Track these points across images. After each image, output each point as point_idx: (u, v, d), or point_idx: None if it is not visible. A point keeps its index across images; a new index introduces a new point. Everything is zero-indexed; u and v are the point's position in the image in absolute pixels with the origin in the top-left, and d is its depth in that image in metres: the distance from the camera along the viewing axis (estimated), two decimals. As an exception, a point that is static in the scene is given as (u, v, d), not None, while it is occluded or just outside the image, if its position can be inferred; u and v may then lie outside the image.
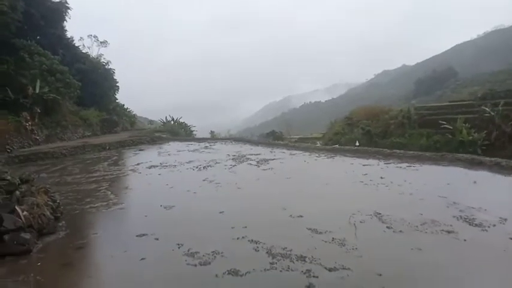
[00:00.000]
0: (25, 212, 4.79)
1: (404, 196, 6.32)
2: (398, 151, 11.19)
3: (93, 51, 31.64)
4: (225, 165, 10.43)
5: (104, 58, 31.31)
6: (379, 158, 10.33)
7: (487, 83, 49.19)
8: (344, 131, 34.98)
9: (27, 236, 4.55)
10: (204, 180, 8.34)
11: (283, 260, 3.82)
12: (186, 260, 3.94)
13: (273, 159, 10.92)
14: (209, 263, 3.85)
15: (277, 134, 40.46)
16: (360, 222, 4.90)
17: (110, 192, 7.59)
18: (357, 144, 19.84)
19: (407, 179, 7.39)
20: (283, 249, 4.09)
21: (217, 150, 14.48)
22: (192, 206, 6.31)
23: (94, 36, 32.59)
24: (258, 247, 4.20)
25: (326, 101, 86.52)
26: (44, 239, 4.90)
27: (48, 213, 5.27)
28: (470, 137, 22.89)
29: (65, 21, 27.02)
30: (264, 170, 9.29)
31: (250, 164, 10.37)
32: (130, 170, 10.78)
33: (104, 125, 27.40)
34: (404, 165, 9.18)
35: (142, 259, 4.07)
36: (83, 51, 30.66)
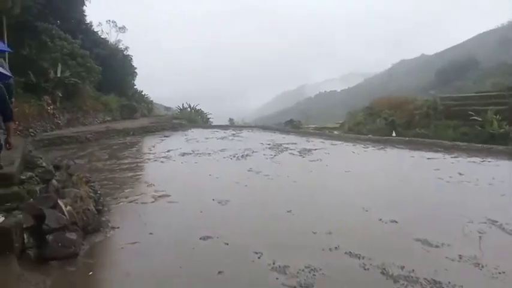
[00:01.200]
0: (68, 207, 3.99)
1: (508, 198, 5.33)
2: (461, 143, 10.18)
3: (112, 36, 30.92)
4: (264, 154, 9.54)
5: (122, 44, 30.65)
6: (439, 151, 9.31)
7: (507, 74, 47.26)
8: (365, 121, 33.84)
9: (73, 236, 3.74)
10: (249, 171, 7.47)
11: (413, 287, 2.90)
12: (277, 278, 3.04)
13: (315, 149, 10.01)
14: (312, 286, 2.95)
15: (295, 123, 39.57)
16: (479, 232, 3.96)
17: (150, 181, 6.78)
18: (394, 134, 18.83)
19: (495, 176, 6.40)
20: (401, 268, 3.17)
21: (247, 139, 13.59)
22: (249, 202, 5.45)
23: (112, 22, 31.85)
24: (364, 264, 3.29)
25: (341, 90, 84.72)
26: (90, 238, 4.08)
27: (93, 207, 4.46)
28: (502, 130, 21.60)
29: (84, 6, 26.35)
30: (312, 161, 8.38)
31: (293, 154, 9.48)
32: (163, 156, 9.95)
33: (123, 111, 26.89)
34: (476, 159, 8.17)
35: (219, 273, 3.21)
36: (102, 36, 29.99)
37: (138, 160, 9.53)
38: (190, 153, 10.32)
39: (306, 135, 13.98)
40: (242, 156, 9.39)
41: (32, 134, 15.67)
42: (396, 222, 4.27)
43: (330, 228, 4.12)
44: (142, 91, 33.74)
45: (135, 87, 32.45)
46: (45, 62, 18.52)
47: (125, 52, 30.29)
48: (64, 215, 3.80)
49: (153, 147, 12.43)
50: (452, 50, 73.84)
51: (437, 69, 58.69)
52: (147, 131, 18.40)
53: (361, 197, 5.50)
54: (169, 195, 5.81)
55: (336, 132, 41.72)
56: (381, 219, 4.35)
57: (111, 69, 26.33)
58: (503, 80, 46.76)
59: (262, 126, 19.85)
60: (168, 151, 11.01)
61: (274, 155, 9.29)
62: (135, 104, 29.20)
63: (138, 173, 7.72)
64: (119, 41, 31.56)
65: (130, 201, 5.57)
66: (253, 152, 10.02)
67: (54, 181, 4.87)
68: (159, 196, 5.77)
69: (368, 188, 6.16)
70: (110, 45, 29.40)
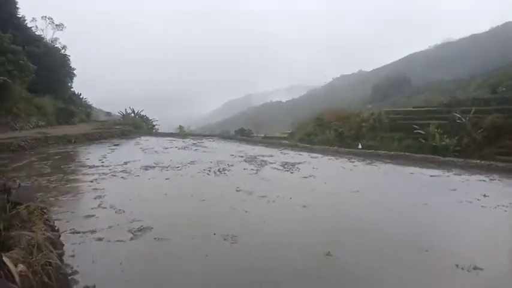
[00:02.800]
0: (20, 266, 2.47)
1: None
2: (456, 159, 9.74)
3: (48, 34, 27.77)
4: (245, 168, 8.30)
5: (59, 42, 27.78)
6: (433, 167, 8.74)
7: (438, 91, 50.96)
8: (316, 132, 33.90)
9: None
10: (238, 190, 6.19)
11: None
12: None
13: (298, 163, 8.98)
14: None
15: (246, 132, 38.58)
16: None
17: (117, 206, 5.23)
18: (360, 147, 18.56)
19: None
20: None
21: (213, 149, 12.28)
22: (264, 238, 4.11)
23: (49, 18, 28.66)
24: None
25: (287, 101, 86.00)
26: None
27: (56, 257, 2.94)
28: (443, 143, 22.53)
29: None
30: (305, 178, 7.29)
31: (276, 168, 8.35)
32: (121, 171, 8.28)
33: (59, 115, 24.17)
34: (479, 176, 7.61)
35: None
36: (36, 33, 26.84)
37: (90, 175, 7.78)
38: (154, 167, 8.77)
39: (276, 146, 13.00)
40: (219, 170, 8.07)
41: None
42: (481, 269, 3.27)
43: (401, 284, 3.01)
44: (80, 94, 30.84)
45: (72, 89, 29.47)
46: (-36, 57, 15.63)
47: (62, 51, 27.47)
48: (15, 282, 2.29)
49: (104, 158, 10.61)
50: (386, 68, 78.72)
51: (373, 85, 61.87)
52: (91, 138, 16.25)
53: (407, 230, 4.49)
54: (151, 228, 4.35)
55: (285, 141, 41.42)
56: (457, 265, 3.34)
57: (46, 69, 23.57)
58: (432, 96, 50.21)
59: (222, 135, 18.56)
60: (125, 163, 9.35)
61: (257, 170, 8.09)
62: (73, 108, 26.60)
63: (98, 194, 6.08)
64: (56, 39, 28.56)
65: (100, 238, 4.05)
66: (229, 165, 8.73)
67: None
68: (138, 229, 4.30)
69: (404, 218, 5.07)
70: (46, 43, 26.56)
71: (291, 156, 10.39)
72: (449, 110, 27.67)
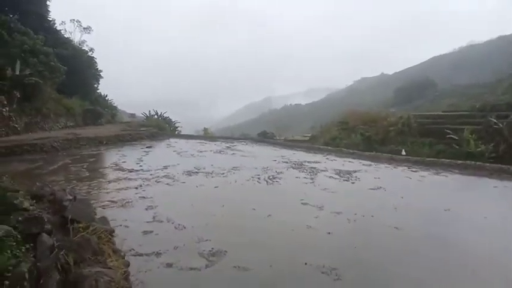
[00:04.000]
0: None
1: None
2: None
3: (76, 36, 28.03)
4: (297, 177, 7.52)
5: (87, 45, 27.97)
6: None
7: (463, 95, 49.11)
8: (341, 136, 32.86)
9: None
10: (303, 203, 5.40)
11: None
12: None
13: (354, 171, 8.14)
14: None
15: (268, 135, 37.89)
16: None
17: (174, 220, 4.56)
18: (403, 153, 17.55)
19: None
20: None
21: (250, 153, 11.57)
22: (372, 273, 3.28)
23: (77, 21, 28.93)
24: None
25: (306, 104, 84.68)
26: None
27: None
28: (479, 149, 21.18)
29: (48, 0, 23.36)
30: (373, 190, 6.43)
31: (332, 177, 7.53)
32: (164, 176, 7.65)
33: (86, 116, 24.02)
34: None
35: None
36: (65, 36, 27.01)
37: (133, 180, 7.17)
38: (197, 172, 8.11)
39: (317, 151, 12.22)
40: (269, 178, 7.33)
41: (-16, 140, 12.70)
42: None
43: None
44: (106, 95, 30.81)
45: (98, 91, 29.48)
46: (1, 58, 15.44)
47: (89, 54, 27.54)
48: None
49: (141, 161, 10.02)
50: (409, 71, 76.69)
51: (396, 88, 60.14)
52: (122, 139, 15.75)
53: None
54: (225, 251, 3.63)
55: (326, 147, 40.62)
56: None
57: (74, 70, 23.48)
58: (457, 100, 48.45)
59: (254, 138, 17.85)
60: (165, 167, 8.73)
61: (312, 179, 7.29)
62: (100, 109, 26.45)
63: (147, 203, 5.43)
64: (83, 41, 28.75)
65: (169, 264, 3.35)
66: (277, 172, 7.98)
67: (45, 238, 2.62)
68: (211, 253, 3.59)
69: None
70: (74, 46, 26.67)
71: (339, 163, 9.57)
72: (483, 114, 26.27)
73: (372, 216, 4.79)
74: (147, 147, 13.55)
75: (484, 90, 48.84)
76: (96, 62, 28.02)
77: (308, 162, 9.49)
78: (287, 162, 9.41)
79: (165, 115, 32.41)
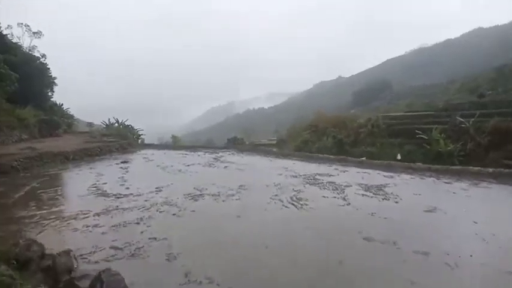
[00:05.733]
0: None
1: None
2: None
3: (25, 42, 25.45)
4: (324, 196, 6.38)
5: (38, 51, 25.62)
6: None
7: (418, 95, 51.01)
8: (312, 139, 32.39)
9: None
10: (366, 239, 4.23)
11: None
12: None
13: (382, 185, 7.15)
14: None
15: (238, 141, 36.67)
16: None
17: (220, 283, 3.26)
18: (399, 157, 17.01)
19: None
20: None
21: (246, 166, 10.33)
22: None
23: (26, 25, 26.26)
24: None
25: (269, 107, 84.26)
26: None
27: None
28: (449, 148, 21.43)
29: None
30: (428, 212, 5.38)
31: (365, 195, 6.46)
32: (163, 203, 6.24)
33: (42, 127, 21.47)
34: None
35: None
36: (13, 41, 24.33)
37: (128, 211, 5.73)
38: (201, 195, 6.77)
39: (317, 160, 11.23)
40: (294, 200, 6.15)
41: None
42: None
43: None
44: (62, 104, 28.24)
45: (52, 99, 26.93)
46: None
47: (41, 60, 24.99)
48: None
49: (124, 181, 8.49)
50: (364, 74, 78.87)
51: (354, 91, 61.40)
52: (90, 153, 13.89)
53: None
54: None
55: (274, 149, 39.77)
56: None
57: (25, 78, 21.10)
58: (413, 101, 50.06)
59: (238, 147, 16.54)
60: (159, 190, 7.32)
61: (343, 198, 6.17)
62: (56, 119, 23.92)
63: (165, 249, 4.10)
64: (34, 47, 26.11)
65: None
66: (296, 191, 6.82)
67: None
68: None
69: None
70: (23, 52, 24.14)
71: (355, 175, 8.61)
72: (448, 114, 26.86)
73: (471, 256, 3.76)
74: (122, 162, 11.86)
75: (436, 90, 51.04)
76: (49, 69, 25.48)
77: (319, 175, 8.44)
78: (296, 177, 8.30)
79: (126, 123, 30.40)
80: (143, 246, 4.26)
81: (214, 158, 12.03)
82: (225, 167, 10.19)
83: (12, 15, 28.93)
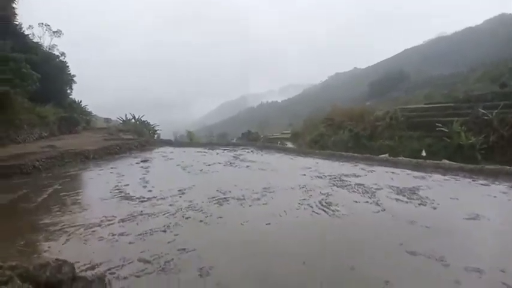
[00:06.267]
0: None
1: None
2: None
3: (45, 41, 26.20)
4: (355, 201, 6.02)
5: (57, 49, 26.25)
6: None
7: (437, 86, 49.70)
8: (328, 133, 31.84)
9: None
10: (410, 253, 3.90)
11: None
12: None
13: (416, 188, 6.74)
14: None
15: (253, 134, 36.55)
16: None
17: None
18: (424, 154, 16.58)
19: None
20: None
21: (267, 165, 10.09)
22: None
23: (46, 25, 26.80)
24: None
25: (282, 101, 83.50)
26: None
27: None
28: (470, 141, 20.69)
29: (13, 3, 21.04)
30: (471, 219, 4.91)
31: (399, 200, 6.07)
32: (188, 207, 6.05)
33: (61, 124, 21.81)
34: None
35: None
36: (34, 40, 24.74)
37: (153, 217, 5.59)
38: (225, 198, 6.55)
39: (338, 158, 10.84)
40: (323, 205, 5.86)
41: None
42: None
43: None
44: (80, 101, 28.73)
45: (71, 96, 27.37)
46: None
47: (61, 58, 25.34)
48: None
49: (146, 182, 8.36)
50: (381, 64, 77.19)
51: (370, 81, 60.31)
52: (110, 152, 13.88)
53: None
54: None
55: (288, 143, 39.45)
56: None
57: (45, 77, 21.46)
58: (432, 91, 48.80)
59: (257, 145, 16.30)
60: (182, 193, 7.16)
61: (377, 204, 5.79)
62: (75, 116, 24.32)
63: (196, 264, 3.89)
64: (54, 46, 26.67)
65: None
66: (324, 194, 6.51)
67: None
68: None
69: None
70: (44, 51, 24.30)
71: (383, 175, 8.21)
72: (469, 105, 25.97)
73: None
74: (142, 161, 11.77)
75: (456, 80, 49.63)
76: (68, 67, 26.00)
77: (345, 176, 8.12)
78: (321, 178, 8.00)
79: (142, 118, 30.74)
80: (173, 259, 4.07)
81: (234, 157, 11.82)
82: (247, 166, 9.96)
83: (31, 13, 29.32)
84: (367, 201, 5.92)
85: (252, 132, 35.92)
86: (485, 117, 22.18)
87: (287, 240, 4.47)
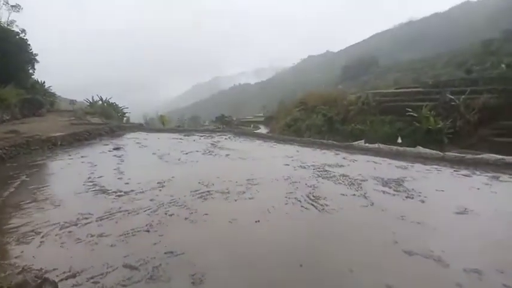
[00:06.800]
0: None
1: None
2: None
3: (2, 16, 24.19)
4: (342, 194, 5.90)
5: (16, 25, 24.42)
6: None
7: (407, 70, 50.89)
8: (302, 117, 31.92)
9: None
10: (407, 252, 3.76)
11: None
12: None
13: (400, 180, 6.71)
14: None
15: (226, 119, 36.12)
16: None
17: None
18: (399, 141, 16.73)
19: None
20: None
21: (247, 153, 9.85)
22: None
23: None
24: None
25: (255, 83, 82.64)
26: None
27: None
28: (438, 125, 21.46)
29: None
30: (460, 214, 4.89)
31: (386, 192, 6.01)
32: (170, 203, 5.74)
33: (24, 107, 20.47)
34: None
35: None
36: None
37: (133, 214, 5.26)
38: (209, 192, 6.29)
39: (319, 146, 10.75)
40: (311, 199, 5.73)
41: None
42: None
43: None
44: (44, 82, 27.21)
45: (33, 77, 25.78)
46: None
47: (21, 35, 23.60)
48: None
49: (121, 173, 7.97)
50: (353, 48, 77.81)
51: (342, 65, 60.83)
52: (79, 138, 13.17)
53: None
54: None
55: (261, 126, 39.26)
56: None
57: (4, 55, 19.93)
58: (401, 75, 49.95)
59: (234, 131, 15.95)
60: (161, 184, 6.85)
61: (365, 197, 5.70)
62: (39, 98, 23.07)
63: (188, 272, 3.65)
64: (12, 22, 24.69)
65: None
66: (310, 186, 6.39)
67: None
68: None
69: None
70: (1, 27, 22.77)
71: (364, 164, 8.23)
72: (438, 91, 26.76)
73: (521, 273, 3.43)
74: (114, 148, 11.21)
75: (424, 65, 50.96)
76: (29, 45, 24.25)
77: (329, 166, 8.03)
78: (305, 168, 7.87)
79: (110, 100, 29.71)
80: (160, 265, 3.80)
81: (212, 144, 11.49)
82: (227, 155, 9.69)
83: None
84: (354, 194, 5.85)
85: (225, 116, 35.54)
86: (453, 103, 22.92)
87: (279, 240, 4.30)
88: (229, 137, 13.11)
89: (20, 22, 24.75)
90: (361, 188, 6.19)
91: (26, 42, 23.38)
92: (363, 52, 65.34)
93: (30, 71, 24.62)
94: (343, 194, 5.86)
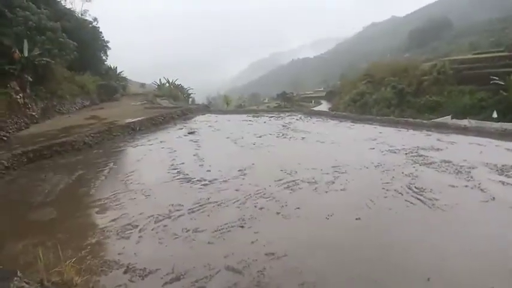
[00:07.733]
0: None
1: None
2: None
3: (76, 7, 25.33)
4: (450, 185, 5.08)
5: (89, 14, 25.19)
6: None
7: (484, 32, 45.33)
8: (369, 90, 30.05)
9: None
10: None
11: None
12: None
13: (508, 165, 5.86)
14: None
15: (288, 96, 35.35)
16: None
17: None
18: (495, 115, 15.12)
19: None
20: None
21: (323, 135, 9.30)
22: None
23: None
24: None
25: (314, 57, 79.84)
26: None
27: None
28: (531, 94, 18.78)
29: None
30: None
31: (505, 183, 5.19)
32: (256, 193, 5.49)
33: (101, 92, 21.67)
34: None
35: None
36: (66, 7, 24.06)
37: (222, 206, 5.14)
38: (294, 181, 5.91)
39: (403, 125, 9.84)
40: (415, 192, 5.07)
41: (5, 137, 10.69)
42: None
43: None
44: (116, 67, 28.51)
45: (106, 63, 27.08)
46: (6, 38, 12.92)
47: (93, 24, 24.66)
48: None
49: (201, 160, 7.90)
50: (421, 11, 71.08)
51: (410, 31, 55.87)
52: (155, 122, 13.54)
53: None
54: None
55: (323, 102, 37.64)
56: None
57: (80, 44, 20.96)
58: (478, 39, 44.41)
59: (303, 111, 15.35)
60: (242, 172, 6.65)
61: (481, 189, 4.80)
62: (113, 84, 24.28)
63: (296, 280, 3.32)
64: (85, 11, 25.85)
65: None
66: (407, 175, 5.72)
67: None
68: None
69: None
70: (76, 17, 23.43)
71: (472, 148, 7.23)
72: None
73: None
74: (189, 133, 11.29)
75: (504, 25, 44.88)
76: (101, 33, 25.38)
77: (423, 149, 7.20)
78: (395, 152, 7.14)
79: (176, 82, 30.60)
80: (264, 268, 3.53)
81: (283, 126, 11.07)
82: (302, 138, 9.21)
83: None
84: (466, 186, 5.06)
85: (286, 92, 34.72)
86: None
87: (390, 244, 3.79)
88: (300, 117, 12.57)
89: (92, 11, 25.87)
90: (471, 177, 5.36)
91: (98, 30, 24.45)
92: (433, 15, 59.22)
93: (103, 58, 25.83)
94: (452, 186, 5.10)
